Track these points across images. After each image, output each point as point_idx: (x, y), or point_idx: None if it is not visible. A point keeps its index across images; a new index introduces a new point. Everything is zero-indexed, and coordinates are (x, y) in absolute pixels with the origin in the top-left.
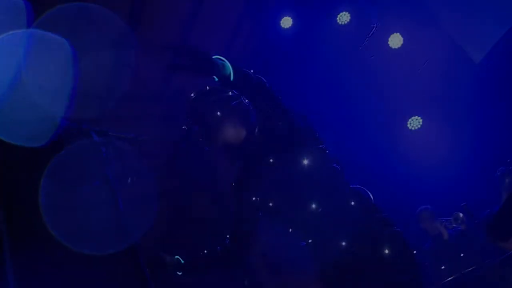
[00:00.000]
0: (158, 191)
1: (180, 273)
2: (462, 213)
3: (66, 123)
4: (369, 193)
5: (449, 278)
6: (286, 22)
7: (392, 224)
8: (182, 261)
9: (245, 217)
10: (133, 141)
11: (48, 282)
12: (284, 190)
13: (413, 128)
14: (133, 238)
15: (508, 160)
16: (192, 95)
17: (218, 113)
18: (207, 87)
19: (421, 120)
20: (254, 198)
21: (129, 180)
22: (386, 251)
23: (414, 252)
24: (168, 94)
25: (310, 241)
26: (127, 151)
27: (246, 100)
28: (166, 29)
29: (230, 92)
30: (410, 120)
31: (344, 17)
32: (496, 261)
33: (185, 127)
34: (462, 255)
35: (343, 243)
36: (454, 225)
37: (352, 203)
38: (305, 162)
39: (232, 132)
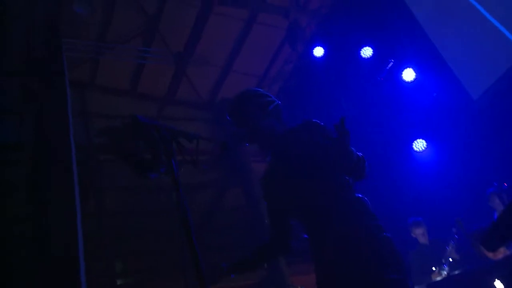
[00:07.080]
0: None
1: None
2: (455, 227)
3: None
4: (368, 202)
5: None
6: (319, 51)
7: (385, 230)
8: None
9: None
10: (192, 137)
11: None
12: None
13: (418, 150)
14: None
15: (495, 183)
16: (235, 98)
17: (258, 115)
18: (248, 91)
19: (425, 143)
20: (278, 193)
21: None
22: (379, 251)
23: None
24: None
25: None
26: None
27: (279, 102)
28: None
29: (268, 97)
30: (415, 142)
31: (367, 51)
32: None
33: (230, 127)
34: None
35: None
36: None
37: (356, 208)
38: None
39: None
